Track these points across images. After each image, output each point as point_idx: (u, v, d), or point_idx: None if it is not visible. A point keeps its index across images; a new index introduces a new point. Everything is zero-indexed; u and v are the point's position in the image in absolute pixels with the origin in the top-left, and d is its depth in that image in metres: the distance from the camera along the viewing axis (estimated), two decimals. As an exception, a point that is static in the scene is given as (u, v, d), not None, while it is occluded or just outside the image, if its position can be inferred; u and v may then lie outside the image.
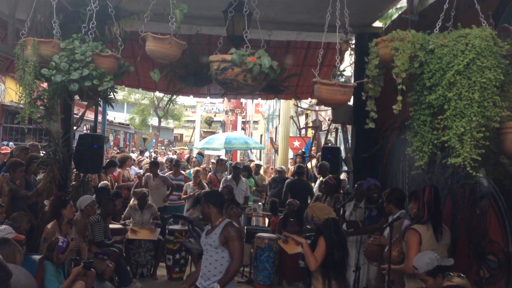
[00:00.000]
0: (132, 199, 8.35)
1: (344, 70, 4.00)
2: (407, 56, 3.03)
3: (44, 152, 6.93)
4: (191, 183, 9.63)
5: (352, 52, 3.63)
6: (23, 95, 3.45)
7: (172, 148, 33.90)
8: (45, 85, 4.18)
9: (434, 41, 3.10)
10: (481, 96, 2.93)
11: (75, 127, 7.43)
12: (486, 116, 2.96)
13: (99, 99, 4.73)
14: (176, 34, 3.54)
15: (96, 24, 3.94)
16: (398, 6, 6.97)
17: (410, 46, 3.03)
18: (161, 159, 17.63)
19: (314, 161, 11.42)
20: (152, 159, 13.49)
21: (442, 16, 3.33)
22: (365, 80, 3.27)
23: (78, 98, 5.71)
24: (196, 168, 10.82)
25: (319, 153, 10.30)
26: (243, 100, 28.23)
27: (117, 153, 16.31)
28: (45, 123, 3.92)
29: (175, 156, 16.51)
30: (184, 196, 9.48)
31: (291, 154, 15.43)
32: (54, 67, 3.41)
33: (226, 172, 12.03)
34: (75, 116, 8.07)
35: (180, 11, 3.47)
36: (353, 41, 7.23)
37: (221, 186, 9.64)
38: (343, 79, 3.92)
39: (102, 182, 8.39)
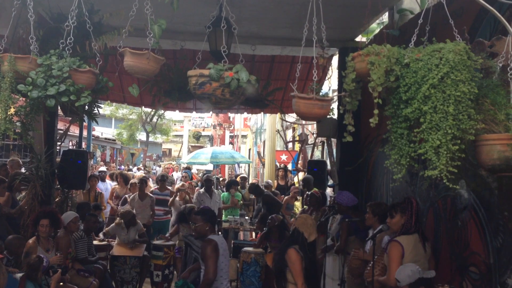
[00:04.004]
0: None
1: (322, 84, 4.04)
2: (382, 70, 3.06)
3: (26, 169, 6.86)
4: (177, 198, 9.58)
5: (328, 66, 3.66)
6: (-1, 111, 3.43)
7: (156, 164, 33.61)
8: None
9: (409, 56, 3.14)
10: (456, 109, 2.96)
11: (59, 143, 7.38)
12: (461, 128, 2.98)
13: (84, 114, 4.73)
14: (155, 49, 3.56)
15: (78, 40, 3.95)
16: (381, 21, 7.07)
17: (386, 60, 3.07)
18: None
19: (301, 175, 11.44)
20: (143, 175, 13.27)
21: (417, 31, 3.39)
22: (343, 94, 3.30)
23: (62, 113, 5.70)
24: (182, 182, 10.79)
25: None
26: (231, 115, 28.31)
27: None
28: (23, 139, 3.89)
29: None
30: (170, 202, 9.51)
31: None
32: (31, 83, 3.40)
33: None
34: (60, 131, 8.02)
35: (158, 27, 3.49)
36: (336, 55, 7.35)
37: (194, 199, 9.64)
38: (325, 92, 3.95)
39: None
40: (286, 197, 10.14)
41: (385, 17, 6.74)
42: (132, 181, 10.30)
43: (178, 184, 11.25)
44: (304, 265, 4.44)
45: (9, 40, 4.05)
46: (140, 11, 3.61)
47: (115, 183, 11.19)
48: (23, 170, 7.45)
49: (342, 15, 5.77)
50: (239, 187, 11.45)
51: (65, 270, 5.38)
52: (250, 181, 14.03)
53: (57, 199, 7.31)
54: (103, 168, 14.06)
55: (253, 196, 11.77)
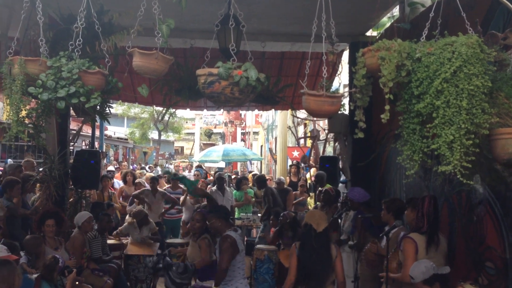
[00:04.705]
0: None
1: (332, 80, 4.00)
2: (393, 65, 3.02)
3: (40, 169, 6.91)
4: (188, 197, 9.59)
5: (339, 62, 3.62)
6: (10, 114, 3.46)
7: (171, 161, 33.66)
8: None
9: (420, 50, 3.09)
10: (469, 103, 2.91)
11: (72, 143, 7.43)
12: (475, 123, 2.94)
13: (95, 115, 4.75)
14: (164, 49, 3.55)
15: (88, 41, 3.95)
16: (392, 15, 6.99)
17: (397, 55, 3.02)
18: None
19: (313, 171, 11.40)
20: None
21: (428, 25, 3.33)
22: (353, 90, 3.26)
23: (75, 114, 5.71)
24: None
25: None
26: (242, 112, 28.33)
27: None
28: (36, 141, 3.92)
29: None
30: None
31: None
32: (41, 85, 3.42)
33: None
34: (72, 132, 8.07)
35: (166, 26, 3.48)
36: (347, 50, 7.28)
37: None
38: (336, 88, 3.93)
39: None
40: (294, 192, 10.13)
41: (396, 11, 6.66)
42: (137, 180, 10.29)
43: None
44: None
45: (20, 42, 4.07)
46: (149, 11, 3.61)
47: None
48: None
49: (351, 9, 5.72)
50: (250, 184, 11.43)
51: (80, 270, 5.41)
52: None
53: (71, 199, 7.37)
54: (112, 168, 14.10)
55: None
